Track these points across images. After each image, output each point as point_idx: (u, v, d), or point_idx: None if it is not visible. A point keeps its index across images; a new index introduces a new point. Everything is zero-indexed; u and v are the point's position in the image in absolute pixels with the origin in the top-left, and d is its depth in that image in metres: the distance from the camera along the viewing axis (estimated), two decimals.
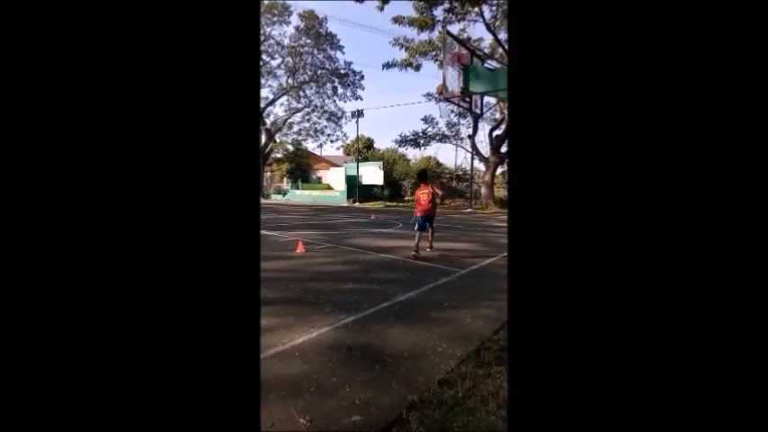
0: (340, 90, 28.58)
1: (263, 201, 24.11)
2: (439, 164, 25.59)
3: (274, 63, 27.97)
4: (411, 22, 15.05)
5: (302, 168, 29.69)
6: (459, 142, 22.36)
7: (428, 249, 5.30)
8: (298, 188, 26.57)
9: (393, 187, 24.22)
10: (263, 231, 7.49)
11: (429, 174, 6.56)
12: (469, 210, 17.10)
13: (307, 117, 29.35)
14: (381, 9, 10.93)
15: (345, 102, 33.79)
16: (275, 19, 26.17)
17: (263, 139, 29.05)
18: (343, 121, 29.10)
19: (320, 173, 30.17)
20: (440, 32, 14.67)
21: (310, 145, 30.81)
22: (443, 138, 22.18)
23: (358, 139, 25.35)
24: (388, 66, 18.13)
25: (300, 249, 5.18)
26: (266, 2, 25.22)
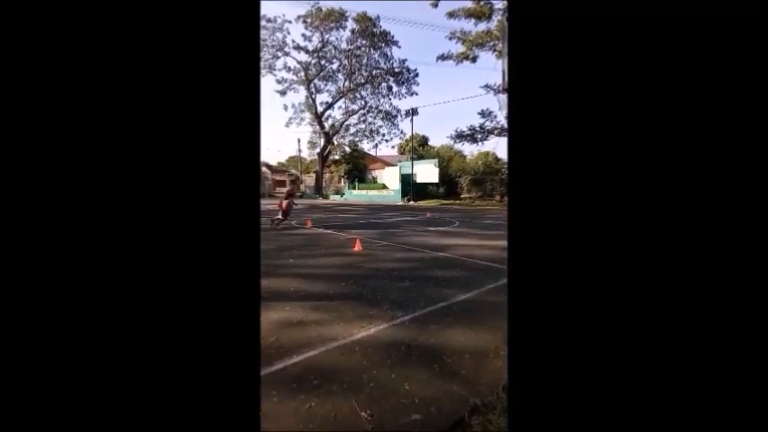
0: (395, 88, 28.89)
1: (321, 201, 25.24)
2: (497, 159, 24.41)
3: (333, 67, 29.17)
4: (467, 14, 14.55)
5: (358, 169, 30.57)
6: None
7: None
8: (354, 188, 27.39)
9: (449, 185, 23.72)
10: (323, 230, 7.84)
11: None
12: None
13: (362, 118, 30.20)
14: (435, 5, 10.75)
15: (400, 99, 34.11)
16: (332, 25, 27.24)
17: (322, 142, 30.49)
18: (398, 119, 29.41)
19: (375, 173, 30.77)
20: (498, 21, 13.97)
21: (366, 145, 31.67)
22: (502, 131, 21.09)
23: (413, 137, 25.30)
24: (443, 58, 17.74)
25: (358, 247, 5.32)
26: (324, 9, 26.36)
